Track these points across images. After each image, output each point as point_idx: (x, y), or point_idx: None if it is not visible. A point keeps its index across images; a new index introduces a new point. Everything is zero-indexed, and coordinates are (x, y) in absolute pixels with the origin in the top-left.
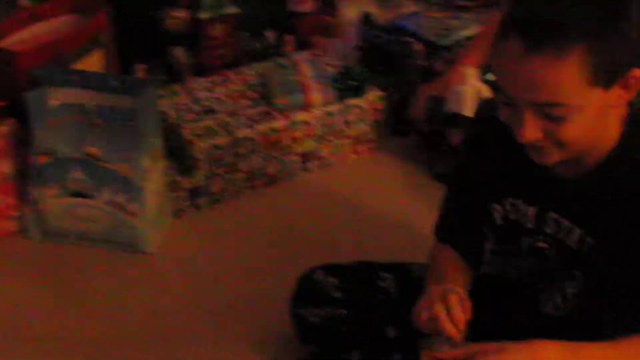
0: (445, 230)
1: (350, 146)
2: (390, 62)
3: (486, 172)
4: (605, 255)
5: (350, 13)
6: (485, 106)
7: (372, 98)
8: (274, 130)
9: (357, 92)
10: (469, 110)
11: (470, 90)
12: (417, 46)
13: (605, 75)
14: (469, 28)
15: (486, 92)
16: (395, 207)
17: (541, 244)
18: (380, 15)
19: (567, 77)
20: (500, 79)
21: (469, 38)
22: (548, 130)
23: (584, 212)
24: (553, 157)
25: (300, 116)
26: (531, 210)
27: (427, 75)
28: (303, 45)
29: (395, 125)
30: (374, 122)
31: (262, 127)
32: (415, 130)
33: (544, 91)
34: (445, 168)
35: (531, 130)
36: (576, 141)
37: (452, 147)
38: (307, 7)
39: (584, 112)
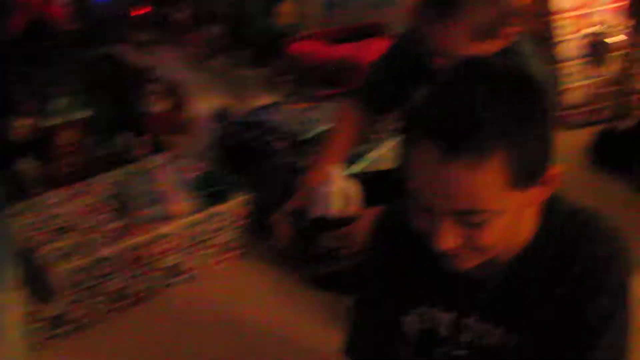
0: (357, 350)
1: (216, 255)
2: (252, 161)
3: (393, 282)
4: (530, 349)
5: (202, 108)
6: None
7: (237, 203)
8: (136, 246)
9: (221, 197)
10: (336, 211)
11: (336, 190)
12: (280, 143)
13: (525, 177)
14: (330, 120)
15: (354, 189)
16: (268, 316)
17: (458, 352)
18: (236, 108)
19: (487, 183)
20: (414, 186)
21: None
22: (466, 237)
23: (504, 311)
24: (471, 262)
25: (163, 229)
26: (447, 317)
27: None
28: (157, 145)
29: (261, 229)
30: (239, 228)
31: (124, 243)
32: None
33: (463, 198)
34: (316, 273)
35: (450, 239)
36: (495, 245)
37: (326, 250)
38: (159, 106)
39: (503, 216)
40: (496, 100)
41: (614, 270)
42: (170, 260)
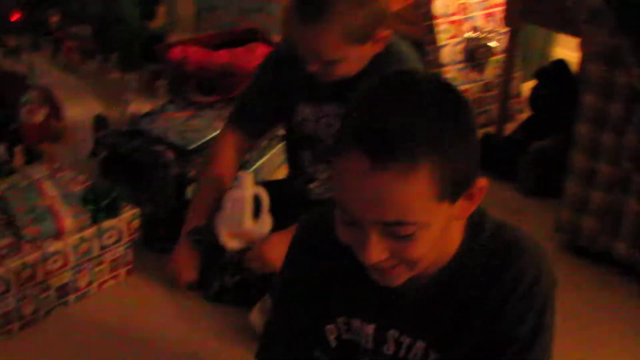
0: (271, 355)
1: (108, 271)
2: (138, 173)
3: (317, 288)
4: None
5: (78, 115)
6: None
7: (127, 216)
8: (26, 265)
9: (110, 211)
10: (248, 217)
11: (248, 196)
12: (168, 154)
13: (453, 189)
14: (216, 128)
15: (264, 195)
16: (167, 332)
17: None
18: (114, 115)
19: (416, 194)
20: (341, 197)
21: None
22: (394, 250)
23: (426, 325)
24: (399, 277)
25: (53, 246)
26: (370, 329)
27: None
28: (33, 156)
29: (152, 242)
30: (131, 242)
31: (12, 263)
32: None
33: (391, 210)
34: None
35: (377, 252)
36: (423, 258)
37: (230, 262)
38: (33, 114)
39: (431, 228)
40: (424, 112)
41: (541, 288)
42: (62, 279)
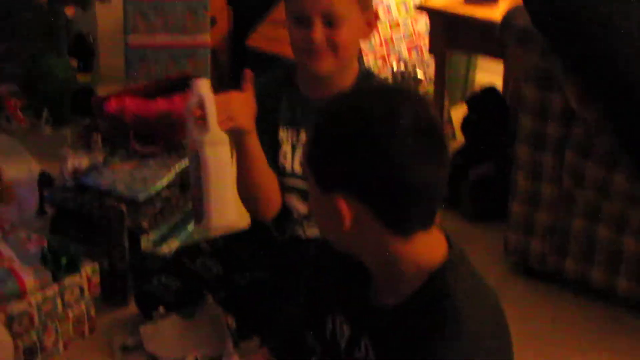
0: (276, 341)
1: (72, 329)
2: (91, 227)
3: (325, 286)
4: None
5: (16, 174)
6: None
7: (87, 272)
8: None
9: (71, 268)
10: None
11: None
12: (120, 206)
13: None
14: (164, 177)
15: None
16: None
17: None
18: (56, 171)
19: None
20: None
21: (169, 187)
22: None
23: (385, 342)
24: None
25: (17, 307)
26: (346, 331)
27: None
28: None
29: (111, 297)
30: (92, 298)
31: None
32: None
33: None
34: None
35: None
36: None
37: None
38: None
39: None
40: None
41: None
42: (28, 340)
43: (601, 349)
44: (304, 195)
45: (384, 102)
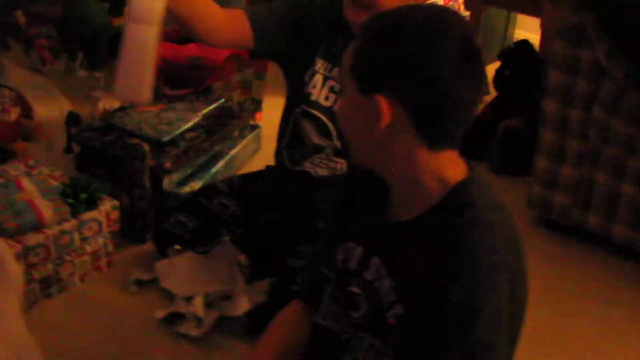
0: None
1: (90, 263)
2: (114, 166)
3: (339, 214)
4: (407, 320)
5: (47, 113)
6: None
7: (106, 208)
8: None
9: (90, 204)
10: None
11: None
12: (144, 146)
13: None
14: (189, 120)
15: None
16: (148, 323)
17: (355, 289)
18: (86, 112)
19: None
20: None
21: (194, 129)
22: None
23: (399, 264)
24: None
25: (34, 239)
26: (358, 251)
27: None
28: (7, 154)
29: (129, 234)
30: (110, 234)
31: None
32: None
33: None
34: None
35: None
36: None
37: None
38: (6, 114)
39: None
40: None
41: (478, 265)
42: (44, 272)
43: (617, 302)
44: (321, 128)
45: (439, 17)
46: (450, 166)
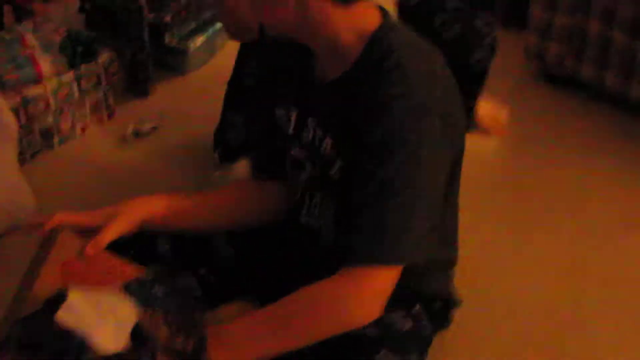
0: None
1: (90, 115)
2: (116, 20)
3: (269, 84)
4: (349, 172)
5: None
6: None
7: (104, 60)
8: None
9: (87, 56)
10: None
11: None
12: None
13: None
14: None
15: None
16: (150, 171)
17: (297, 153)
18: None
19: None
20: None
21: None
22: None
23: (333, 120)
24: None
25: (33, 90)
26: (293, 114)
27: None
28: (23, 13)
29: (130, 86)
30: (110, 86)
31: None
32: None
33: None
34: None
35: None
36: None
37: None
38: None
39: None
40: None
41: (397, 112)
42: (44, 123)
43: (606, 152)
44: None
45: None
46: (365, 17)
